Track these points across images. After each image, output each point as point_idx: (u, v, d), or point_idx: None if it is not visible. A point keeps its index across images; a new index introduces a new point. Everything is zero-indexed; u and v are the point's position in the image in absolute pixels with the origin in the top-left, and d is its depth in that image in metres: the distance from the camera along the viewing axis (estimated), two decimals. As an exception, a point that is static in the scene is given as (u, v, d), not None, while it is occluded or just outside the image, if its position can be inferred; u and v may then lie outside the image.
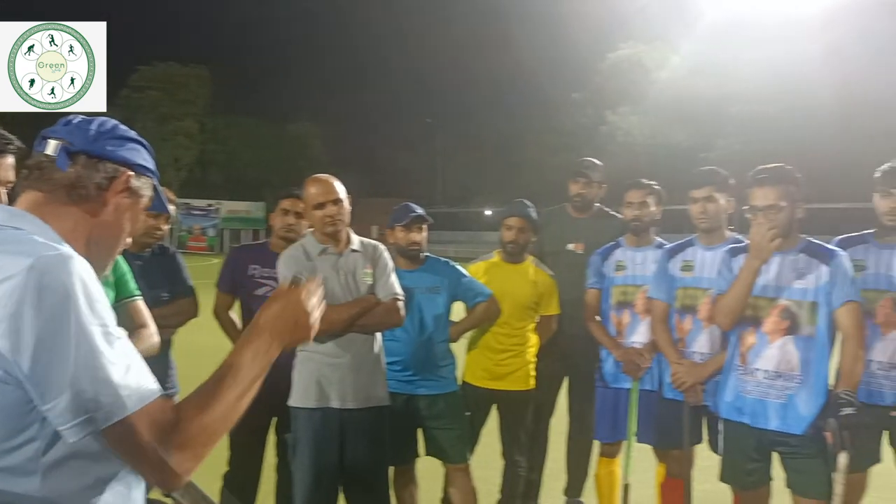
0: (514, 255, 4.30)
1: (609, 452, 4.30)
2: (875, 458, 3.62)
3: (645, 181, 4.26)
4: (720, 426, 3.46)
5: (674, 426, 3.78)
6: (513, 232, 4.26)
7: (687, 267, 3.81)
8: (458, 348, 4.13)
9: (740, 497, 3.51)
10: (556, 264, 4.46)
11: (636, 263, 4.19)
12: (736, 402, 3.34)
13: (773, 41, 31.19)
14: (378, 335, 3.53)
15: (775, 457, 3.32)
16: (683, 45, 43.03)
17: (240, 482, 3.98)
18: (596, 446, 4.41)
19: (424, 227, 3.99)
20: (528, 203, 4.36)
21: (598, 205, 4.76)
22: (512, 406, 4.28)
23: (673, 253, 3.90)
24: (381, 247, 3.62)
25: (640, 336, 4.10)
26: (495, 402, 4.29)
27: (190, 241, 43.35)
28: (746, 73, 35.76)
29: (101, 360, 1.27)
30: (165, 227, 3.85)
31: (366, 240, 3.62)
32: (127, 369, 1.30)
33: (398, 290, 3.50)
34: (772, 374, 3.23)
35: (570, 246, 4.63)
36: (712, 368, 3.60)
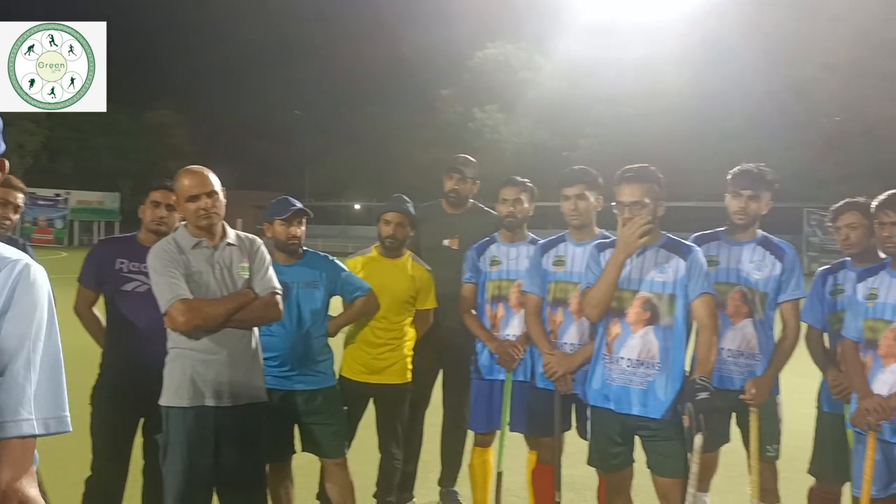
0: (392, 249, 4.33)
1: (483, 442, 4.42)
2: (725, 439, 3.93)
3: (519, 179, 4.41)
4: (588, 413, 3.64)
5: (545, 414, 3.95)
6: (391, 227, 4.28)
7: (559, 262, 3.98)
8: (336, 343, 4.12)
9: (605, 479, 3.72)
10: (432, 259, 4.53)
11: (510, 258, 4.32)
12: (602, 390, 3.52)
13: (632, 45, 32.82)
14: (255, 330, 3.47)
15: (638, 440, 3.53)
16: (548, 46, 44.53)
17: (104, 487, 3.79)
18: (470, 437, 4.52)
19: (303, 221, 3.95)
20: (406, 198, 4.40)
21: (472, 201, 4.88)
22: (389, 400, 4.31)
23: (545, 248, 4.06)
24: (258, 241, 3.55)
25: (513, 329, 4.24)
26: (372, 396, 4.31)
27: (35, 234, 40.53)
28: (607, 75, 37.44)
29: None
30: (14, 217, 3.61)
31: (242, 233, 3.54)
32: None
33: (276, 284, 3.45)
34: (634, 362, 3.44)
35: (446, 242, 4.72)
36: (581, 358, 3.78)
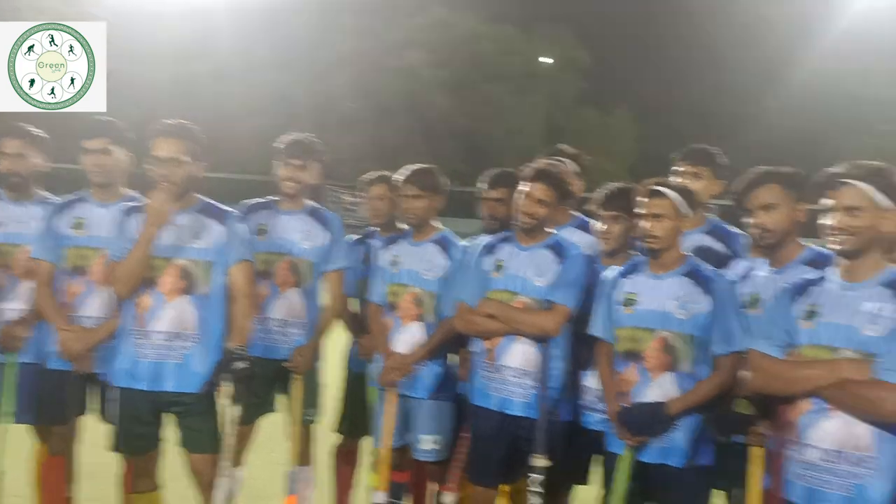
0: None
1: None
2: (269, 408, 3.90)
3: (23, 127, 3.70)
4: (113, 395, 3.26)
5: (57, 399, 3.44)
6: None
7: (78, 225, 3.48)
8: None
9: (131, 464, 3.39)
10: None
11: (12, 220, 3.64)
12: (131, 369, 3.19)
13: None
14: None
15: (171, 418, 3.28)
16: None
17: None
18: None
19: None
20: None
21: None
22: None
23: (61, 209, 3.52)
24: None
25: (19, 303, 3.58)
26: None
27: None
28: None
29: None
30: None
31: None
32: None
33: None
34: (169, 335, 3.18)
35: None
36: (104, 333, 3.37)
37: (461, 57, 30.19)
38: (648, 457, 2.96)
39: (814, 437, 2.37)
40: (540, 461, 3.20)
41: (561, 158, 3.84)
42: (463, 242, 3.71)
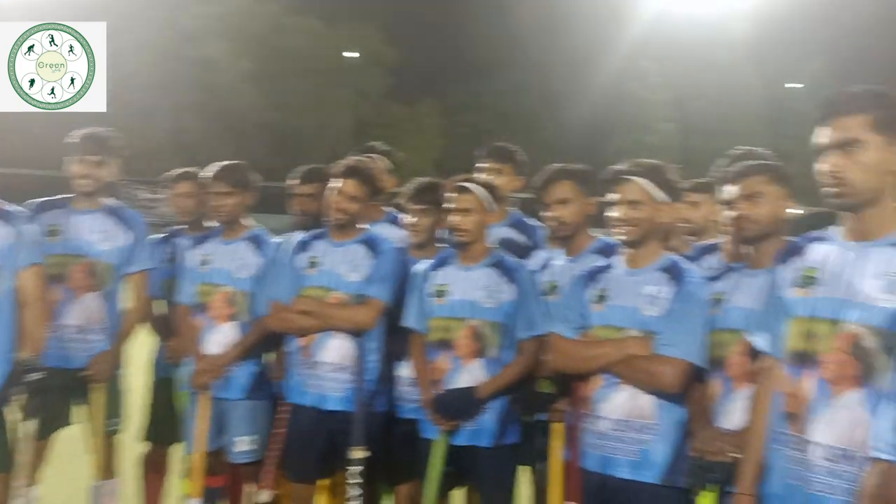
0: None
1: None
2: (65, 421, 3.64)
3: None
4: None
5: None
6: None
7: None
8: None
9: None
10: None
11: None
12: None
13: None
14: None
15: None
16: None
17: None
18: None
19: None
20: None
21: None
22: None
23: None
24: None
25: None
26: None
27: None
28: None
29: None
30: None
31: None
32: None
33: None
34: None
35: None
36: None
37: (266, 49, 29.44)
38: (460, 440, 3.11)
39: (605, 409, 2.62)
40: (358, 453, 3.26)
41: (372, 155, 3.92)
42: (275, 239, 3.68)
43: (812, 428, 2.01)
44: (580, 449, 2.69)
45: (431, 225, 3.48)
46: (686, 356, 2.50)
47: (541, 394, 3.01)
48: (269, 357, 3.65)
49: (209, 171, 3.66)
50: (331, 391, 3.33)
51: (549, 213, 3.21)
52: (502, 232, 3.73)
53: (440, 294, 3.19)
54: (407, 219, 3.55)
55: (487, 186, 3.25)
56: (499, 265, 3.19)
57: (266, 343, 3.57)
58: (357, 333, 3.33)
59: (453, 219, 3.15)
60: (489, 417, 3.11)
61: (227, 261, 3.57)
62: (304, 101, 30.59)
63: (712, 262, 3.05)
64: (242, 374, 3.55)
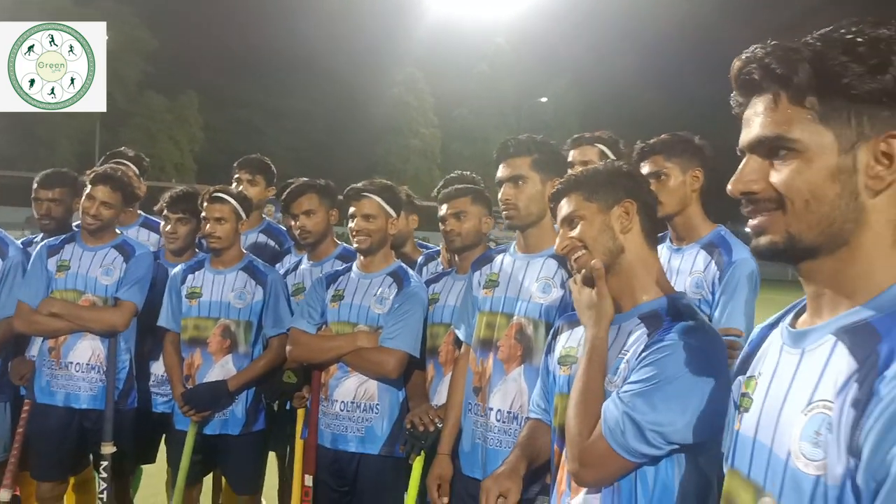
0: None
1: None
2: None
3: None
4: None
5: None
6: None
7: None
8: None
9: None
10: None
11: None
12: None
13: None
14: None
15: None
16: None
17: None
18: None
19: None
20: None
21: None
22: None
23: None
24: None
25: None
26: None
27: None
28: None
29: None
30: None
31: None
32: None
33: None
34: None
35: None
36: None
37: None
38: (210, 429, 3.39)
39: (338, 393, 3.04)
40: (107, 448, 3.41)
41: (123, 161, 4.03)
42: (17, 243, 3.67)
43: (491, 397, 2.57)
44: (317, 428, 3.09)
45: (189, 232, 3.70)
46: (403, 347, 2.99)
47: (285, 383, 3.36)
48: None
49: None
50: (81, 390, 3.44)
51: (295, 223, 3.58)
52: (256, 237, 4.04)
53: (193, 296, 3.44)
54: (165, 227, 3.73)
55: (240, 196, 3.53)
56: (249, 269, 3.49)
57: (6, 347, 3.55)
58: (109, 334, 3.46)
59: (208, 227, 3.40)
60: (238, 408, 3.41)
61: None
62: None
63: (433, 267, 3.60)
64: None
